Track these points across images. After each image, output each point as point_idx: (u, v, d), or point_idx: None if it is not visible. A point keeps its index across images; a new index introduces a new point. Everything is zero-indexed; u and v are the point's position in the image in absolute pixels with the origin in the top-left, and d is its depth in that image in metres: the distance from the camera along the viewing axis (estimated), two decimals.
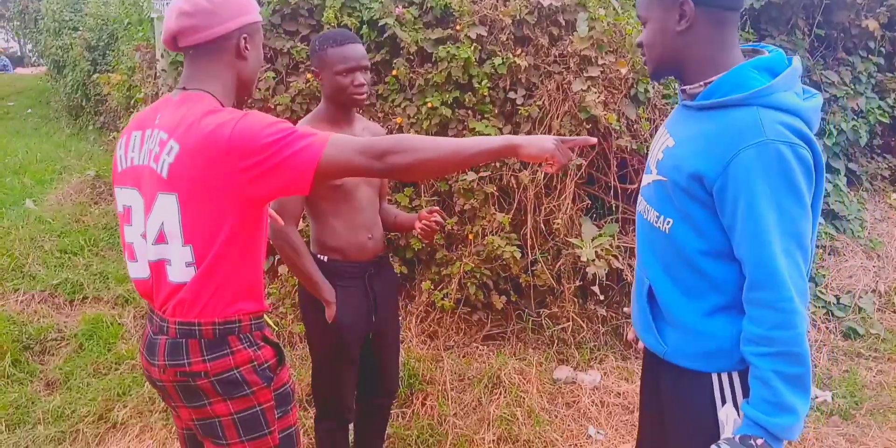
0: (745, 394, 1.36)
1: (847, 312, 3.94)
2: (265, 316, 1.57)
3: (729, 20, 1.35)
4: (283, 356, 1.52)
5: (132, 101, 5.85)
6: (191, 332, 1.39)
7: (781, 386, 1.25)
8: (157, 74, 5.17)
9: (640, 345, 1.74)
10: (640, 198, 1.58)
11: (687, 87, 1.42)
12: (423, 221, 2.12)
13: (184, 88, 1.44)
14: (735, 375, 1.39)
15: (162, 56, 5.08)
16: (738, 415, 1.37)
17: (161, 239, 1.38)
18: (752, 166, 1.24)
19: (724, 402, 1.39)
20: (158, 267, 1.41)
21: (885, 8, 4.63)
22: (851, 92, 4.64)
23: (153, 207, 1.38)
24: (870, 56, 4.77)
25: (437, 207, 2.19)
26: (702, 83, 1.38)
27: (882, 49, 4.82)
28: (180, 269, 1.38)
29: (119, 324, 3.67)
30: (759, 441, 1.26)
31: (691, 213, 1.36)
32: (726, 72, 1.35)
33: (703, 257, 1.37)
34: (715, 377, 1.40)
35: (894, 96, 4.86)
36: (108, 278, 4.19)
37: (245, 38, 1.44)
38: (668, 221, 1.42)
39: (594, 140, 1.56)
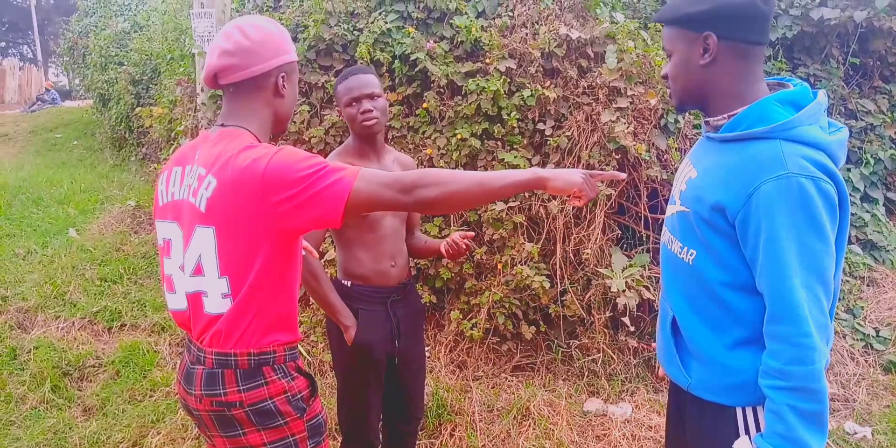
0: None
1: (887, 345, 3.82)
2: (298, 346, 1.60)
3: (753, 54, 1.36)
4: (315, 387, 1.54)
5: (173, 134, 6.05)
6: (227, 363, 1.42)
7: (796, 421, 1.24)
8: (198, 108, 5.35)
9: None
10: (664, 229, 1.58)
11: (711, 120, 1.43)
12: (452, 238, 2.13)
13: (222, 125, 1.49)
14: (759, 410, 1.37)
15: (202, 90, 5.26)
16: (752, 447, 1.35)
17: (198, 271, 1.42)
18: (774, 199, 1.23)
19: (747, 437, 1.37)
20: (195, 299, 1.45)
21: None
22: (888, 120, 4.58)
23: (191, 240, 1.42)
24: None
25: (472, 233, 2.21)
26: (725, 115, 1.39)
27: None
28: (217, 301, 1.41)
29: (155, 351, 3.74)
30: None
31: (714, 245, 1.36)
32: (750, 105, 1.35)
33: (725, 289, 1.37)
34: (739, 411, 1.39)
35: None
36: (145, 306, 4.29)
37: (283, 77, 1.49)
38: (692, 253, 1.42)
39: (623, 175, 1.57)
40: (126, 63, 8.80)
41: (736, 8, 1.31)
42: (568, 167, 3.42)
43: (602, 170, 3.39)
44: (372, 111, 2.06)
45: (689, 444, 1.52)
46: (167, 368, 3.58)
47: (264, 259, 1.39)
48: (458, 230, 3.51)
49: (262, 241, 1.38)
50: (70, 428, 3.05)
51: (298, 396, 1.48)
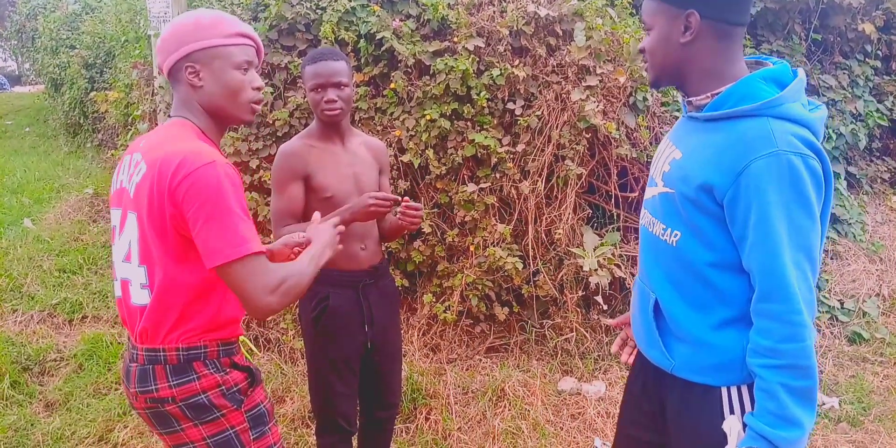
0: (754, 407, 1.33)
1: (851, 317, 3.91)
2: (243, 339, 1.58)
3: (735, 34, 1.34)
4: (255, 377, 1.51)
5: (130, 119, 5.85)
6: (156, 358, 1.41)
7: (788, 399, 1.24)
8: (155, 91, 5.17)
9: (624, 358, 1.73)
10: (643, 211, 1.55)
11: (694, 99, 1.40)
12: (400, 209, 2.06)
13: (170, 115, 1.51)
14: (744, 389, 1.37)
15: (159, 73, 5.09)
16: (743, 427, 1.34)
17: (128, 257, 1.44)
18: (764, 177, 1.22)
19: (732, 416, 1.36)
20: (125, 286, 1.46)
21: (881, 11, 4.64)
22: (849, 95, 4.64)
23: (125, 226, 1.45)
24: (867, 59, 4.78)
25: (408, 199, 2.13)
26: (708, 94, 1.37)
27: (879, 52, 4.83)
28: (138, 291, 1.43)
29: (119, 343, 3.63)
30: None
31: (700, 225, 1.34)
32: (732, 83, 1.33)
33: (712, 269, 1.36)
34: (724, 391, 1.38)
35: (892, 99, 4.86)
36: (107, 297, 4.17)
37: (188, 68, 1.43)
38: (676, 234, 1.40)
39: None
40: (78, 46, 8.49)
41: None
42: (538, 146, 3.39)
43: (573, 149, 3.37)
44: (336, 101, 2.01)
45: (672, 427, 1.49)
46: None
47: (175, 255, 1.37)
48: (429, 213, 3.46)
49: (175, 237, 1.37)
50: (32, 424, 2.95)
51: (234, 389, 1.45)
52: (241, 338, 1.56)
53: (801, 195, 1.23)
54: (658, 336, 1.47)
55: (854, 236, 4.45)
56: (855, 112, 4.65)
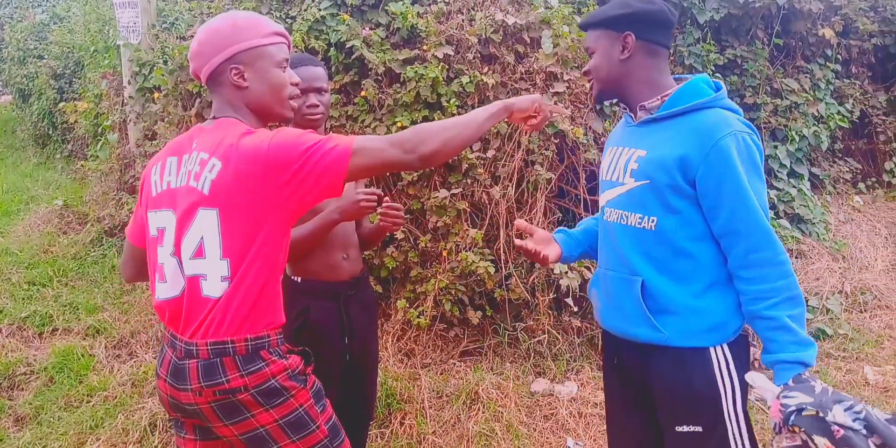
0: (738, 363, 1.60)
1: (815, 314, 4.01)
2: None
3: (662, 53, 1.68)
4: (309, 358, 1.59)
5: (99, 129, 5.81)
6: (224, 351, 1.44)
7: (796, 326, 1.50)
8: (125, 101, 5.15)
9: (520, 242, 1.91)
10: (608, 211, 1.74)
11: (646, 103, 1.68)
12: (382, 209, 2.08)
13: (214, 117, 1.54)
14: (726, 347, 1.61)
15: (129, 83, 5.06)
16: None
17: (199, 254, 1.44)
18: (729, 151, 1.52)
19: (721, 372, 1.59)
20: (193, 282, 1.46)
21: (840, 17, 4.78)
22: (811, 98, 4.76)
23: (192, 223, 1.45)
24: (827, 63, 4.91)
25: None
26: (659, 97, 1.66)
27: (839, 56, 4.96)
28: (215, 284, 1.44)
29: (91, 355, 3.60)
30: (806, 374, 1.47)
31: (676, 207, 1.59)
32: (671, 89, 1.65)
33: (690, 242, 1.60)
34: (712, 351, 1.61)
35: (852, 101, 5.00)
36: (77, 309, 4.13)
37: (235, 69, 1.50)
38: (653, 220, 1.62)
39: (566, 112, 1.76)
40: (46, 56, 8.40)
41: (652, 14, 1.63)
42: (508, 152, 3.44)
43: (542, 154, 3.42)
44: (318, 106, 2.02)
45: (661, 395, 1.66)
46: (104, 372, 3.45)
47: (263, 241, 1.44)
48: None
49: (263, 223, 1.43)
50: (1, 439, 2.91)
51: (297, 370, 1.52)
52: None
53: (755, 164, 1.55)
54: (648, 313, 1.63)
55: (818, 236, 4.56)
56: (817, 114, 4.78)
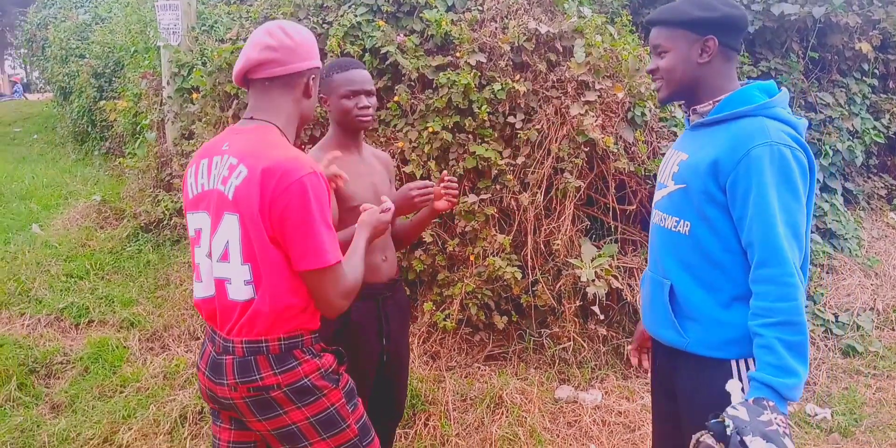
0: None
1: (846, 330, 3.96)
2: None
3: (735, 58, 1.66)
4: (342, 358, 1.64)
5: (138, 127, 5.96)
6: (258, 349, 1.50)
7: (784, 351, 1.44)
8: (163, 101, 5.28)
9: (635, 360, 1.94)
10: (654, 212, 1.77)
11: (698, 107, 1.66)
12: (443, 185, 2.10)
13: (251, 118, 1.57)
14: (751, 361, 1.56)
15: (168, 83, 5.19)
16: (745, 385, 1.52)
17: (225, 257, 1.50)
18: (762, 161, 1.48)
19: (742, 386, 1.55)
20: (221, 285, 1.52)
21: (878, 31, 4.73)
22: (846, 113, 4.71)
23: (219, 226, 1.50)
24: (864, 78, 4.86)
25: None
26: (711, 102, 1.64)
27: (875, 71, 4.91)
28: (240, 288, 1.49)
29: (124, 347, 3.70)
30: (771, 403, 1.41)
31: (708, 214, 1.58)
32: (722, 95, 1.63)
33: (721, 252, 1.58)
34: (734, 364, 1.59)
35: (889, 117, 4.94)
36: (113, 302, 4.24)
37: (313, 78, 1.60)
38: (687, 224, 1.63)
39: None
40: (88, 56, 8.62)
41: (736, 19, 1.60)
42: (538, 159, 3.47)
43: (572, 162, 3.44)
44: (369, 108, 2.05)
45: (682, 401, 1.67)
46: (137, 364, 3.55)
47: (278, 252, 1.47)
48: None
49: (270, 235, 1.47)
50: (38, 425, 3.01)
51: (330, 370, 1.57)
52: None
53: (789, 180, 1.49)
54: (673, 317, 1.65)
55: (850, 251, 4.50)
56: (852, 129, 4.73)
